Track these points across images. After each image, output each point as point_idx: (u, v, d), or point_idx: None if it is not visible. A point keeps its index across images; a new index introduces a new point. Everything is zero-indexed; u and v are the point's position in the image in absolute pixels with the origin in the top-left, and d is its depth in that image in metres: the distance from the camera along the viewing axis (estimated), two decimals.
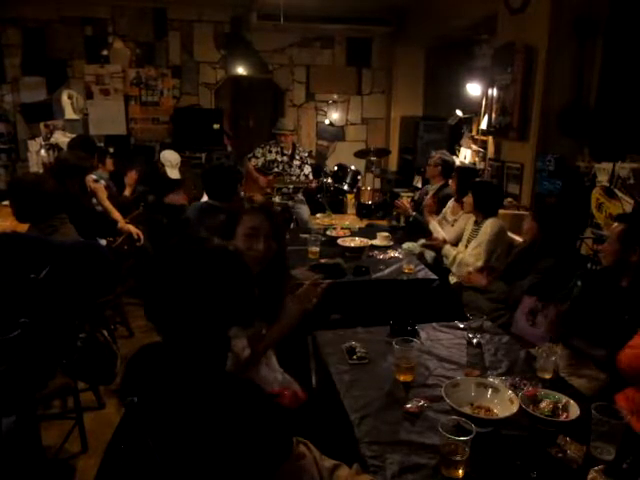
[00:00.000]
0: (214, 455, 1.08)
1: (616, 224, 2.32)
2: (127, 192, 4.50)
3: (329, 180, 6.14)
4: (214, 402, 1.11)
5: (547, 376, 1.92)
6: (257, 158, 5.27)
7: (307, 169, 5.39)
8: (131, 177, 4.57)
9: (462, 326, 2.34)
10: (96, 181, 3.88)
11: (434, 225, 4.04)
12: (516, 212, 4.05)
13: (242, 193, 3.49)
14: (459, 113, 5.83)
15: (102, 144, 6.02)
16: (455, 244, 3.77)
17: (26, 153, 5.60)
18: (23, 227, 2.75)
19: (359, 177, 6.32)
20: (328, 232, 3.94)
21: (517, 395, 1.67)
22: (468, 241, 3.63)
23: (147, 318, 1.20)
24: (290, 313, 1.92)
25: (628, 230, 2.20)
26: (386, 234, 3.85)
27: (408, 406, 1.70)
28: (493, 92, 4.74)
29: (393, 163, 7.56)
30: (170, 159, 5.52)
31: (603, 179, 3.56)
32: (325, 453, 1.39)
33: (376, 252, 3.54)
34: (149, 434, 1.08)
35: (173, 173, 5.48)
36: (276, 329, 1.92)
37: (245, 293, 1.21)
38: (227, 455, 1.08)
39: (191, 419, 1.09)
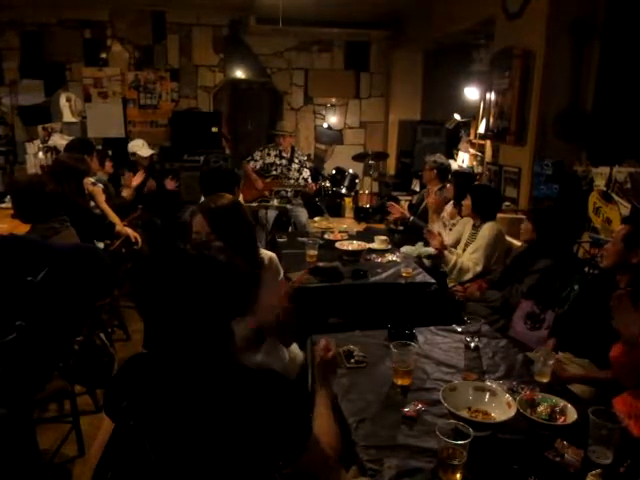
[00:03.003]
0: (231, 448, 1.08)
1: (622, 226, 2.34)
2: (125, 194, 4.49)
3: (327, 183, 6.15)
4: (228, 394, 1.11)
5: (544, 380, 1.92)
6: (256, 161, 5.28)
7: (306, 173, 5.40)
8: (131, 179, 4.56)
9: (460, 330, 2.34)
10: (94, 184, 3.87)
11: (434, 228, 4.04)
12: (514, 216, 4.06)
13: (240, 196, 3.49)
14: (457, 117, 5.85)
15: (100, 147, 6.02)
16: (453, 247, 3.78)
17: (24, 155, 5.59)
18: (22, 229, 2.74)
19: (357, 180, 6.33)
20: (326, 235, 3.94)
21: (515, 399, 1.67)
22: (466, 245, 3.63)
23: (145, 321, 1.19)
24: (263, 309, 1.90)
25: (633, 232, 2.21)
26: (384, 237, 3.85)
27: (406, 410, 1.70)
28: (491, 96, 4.75)
29: (391, 167, 7.57)
30: (137, 143, 5.51)
31: (600, 183, 3.57)
32: None
33: (374, 256, 3.54)
34: (149, 440, 1.07)
35: (145, 152, 5.45)
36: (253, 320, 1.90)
37: (234, 290, 1.19)
38: (244, 447, 1.08)
39: (206, 414, 1.08)
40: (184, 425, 1.08)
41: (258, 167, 5.26)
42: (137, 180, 4.60)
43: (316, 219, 5.05)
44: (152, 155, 5.56)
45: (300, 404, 1.18)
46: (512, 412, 1.59)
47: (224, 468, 1.08)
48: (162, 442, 1.08)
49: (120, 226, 3.72)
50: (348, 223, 5.64)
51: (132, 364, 1.22)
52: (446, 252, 3.63)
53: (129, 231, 3.75)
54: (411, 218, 4.41)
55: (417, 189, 6.01)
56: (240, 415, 1.09)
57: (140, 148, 5.43)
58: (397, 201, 6.09)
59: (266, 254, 2.13)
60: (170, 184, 5.35)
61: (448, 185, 4.28)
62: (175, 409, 1.09)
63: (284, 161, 5.30)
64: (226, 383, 1.13)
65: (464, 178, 4.23)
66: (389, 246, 3.78)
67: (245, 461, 1.09)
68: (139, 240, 3.77)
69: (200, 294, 1.12)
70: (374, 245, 3.72)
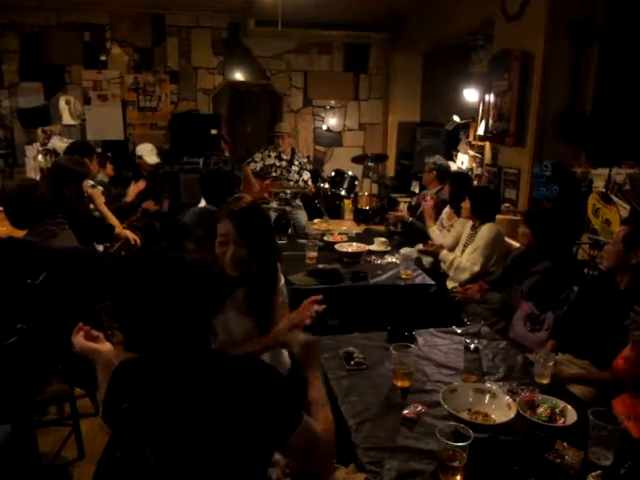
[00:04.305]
0: (222, 435, 1.10)
1: (622, 227, 2.35)
2: (128, 198, 4.49)
3: (326, 185, 6.15)
4: (212, 385, 1.14)
5: (544, 381, 1.92)
6: (256, 163, 5.28)
7: (306, 175, 5.40)
8: (137, 187, 4.56)
9: (460, 331, 2.34)
10: (93, 186, 3.87)
11: (433, 230, 4.05)
12: (513, 217, 4.06)
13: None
14: (456, 119, 5.85)
15: (100, 149, 6.02)
16: (452, 249, 3.78)
17: (23, 158, 5.59)
18: (21, 232, 2.73)
19: (356, 182, 6.33)
20: (325, 237, 3.95)
21: (514, 400, 1.67)
22: (465, 246, 3.63)
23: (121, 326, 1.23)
24: (278, 330, 1.90)
25: (633, 232, 2.22)
26: (383, 239, 3.85)
27: (406, 412, 1.69)
28: (490, 98, 4.75)
29: (390, 168, 7.57)
30: (146, 147, 5.51)
31: (599, 185, 3.57)
32: None
33: (374, 257, 3.54)
34: (147, 442, 1.08)
35: (152, 159, 5.45)
36: (263, 341, 1.90)
37: (203, 289, 1.20)
38: (236, 435, 1.10)
39: (194, 407, 1.11)
40: (180, 421, 1.10)
41: (258, 169, 5.25)
42: (138, 188, 4.59)
43: (315, 221, 5.05)
44: (157, 164, 5.55)
45: (287, 385, 1.21)
46: (512, 414, 1.59)
47: (221, 457, 1.10)
48: (160, 441, 1.09)
49: (119, 228, 3.72)
50: (348, 225, 5.63)
51: (124, 369, 1.25)
52: (443, 251, 3.64)
53: (128, 234, 3.74)
54: (410, 220, 4.42)
55: (416, 191, 6.01)
56: (231, 401, 1.12)
57: (148, 154, 5.42)
58: (396, 203, 6.10)
59: None
60: (149, 204, 4.96)
61: (445, 187, 4.29)
62: (171, 407, 1.11)
63: (284, 163, 5.30)
64: (212, 374, 1.16)
65: (460, 179, 4.23)
66: (389, 248, 3.78)
67: (240, 446, 1.11)
68: (138, 243, 3.77)
69: (170, 294, 1.14)
70: (374, 247, 3.73)
